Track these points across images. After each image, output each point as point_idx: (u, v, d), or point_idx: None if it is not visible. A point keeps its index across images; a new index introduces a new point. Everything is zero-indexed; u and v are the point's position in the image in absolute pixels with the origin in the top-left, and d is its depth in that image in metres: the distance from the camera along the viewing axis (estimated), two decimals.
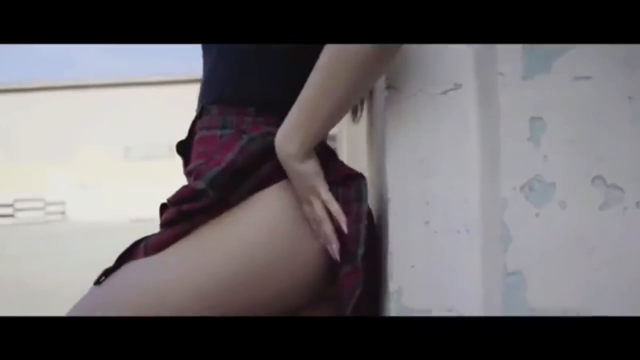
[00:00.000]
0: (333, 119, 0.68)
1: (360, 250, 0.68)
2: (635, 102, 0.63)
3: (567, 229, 0.62)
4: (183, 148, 0.88)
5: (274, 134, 0.71)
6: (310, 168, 0.69)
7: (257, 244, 0.71)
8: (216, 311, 0.71)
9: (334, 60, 0.63)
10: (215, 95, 0.80)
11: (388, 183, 0.69)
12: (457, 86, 0.68)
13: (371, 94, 1.00)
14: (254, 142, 0.72)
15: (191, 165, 0.79)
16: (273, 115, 0.74)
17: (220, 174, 0.70)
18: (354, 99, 0.68)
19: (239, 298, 0.72)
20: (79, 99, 19.62)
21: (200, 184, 0.70)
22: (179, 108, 19.20)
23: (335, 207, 0.69)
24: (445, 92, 0.68)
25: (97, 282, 0.74)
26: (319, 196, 0.70)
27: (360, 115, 1.01)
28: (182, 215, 0.73)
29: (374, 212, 0.80)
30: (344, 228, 0.68)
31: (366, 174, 0.90)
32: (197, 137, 0.81)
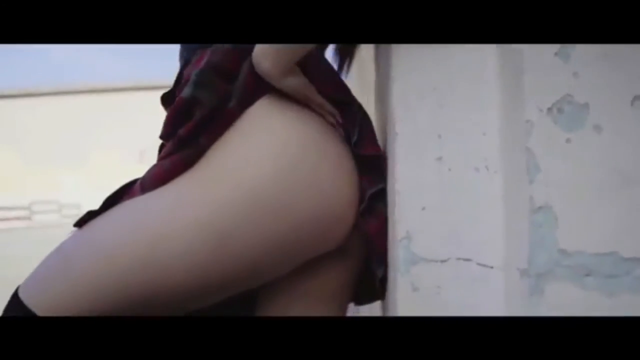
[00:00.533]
0: None
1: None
2: None
3: (604, 158, 0.53)
4: (170, 100, 0.80)
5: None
6: (294, 82, 0.63)
7: (264, 176, 0.62)
8: (223, 250, 0.62)
9: None
10: None
11: (395, 115, 0.60)
12: None
13: None
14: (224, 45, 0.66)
15: None
16: None
17: (200, 72, 0.63)
18: None
19: (245, 240, 0.62)
20: (93, 103, 19.80)
21: (186, 91, 0.63)
22: None
23: (330, 109, 0.66)
24: None
25: (78, 225, 0.66)
26: (311, 102, 0.64)
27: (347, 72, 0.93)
28: (182, 143, 0.64)
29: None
30: (339, 120, 0.67)
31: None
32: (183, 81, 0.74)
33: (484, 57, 0.57)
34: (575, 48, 0.54)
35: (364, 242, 0.69)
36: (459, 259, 0.59)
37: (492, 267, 0.59)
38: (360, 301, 0.82)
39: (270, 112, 0.64)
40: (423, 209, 0.59)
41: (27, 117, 19.89)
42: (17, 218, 16.92)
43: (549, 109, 0.54)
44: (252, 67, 0.64)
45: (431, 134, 0.59)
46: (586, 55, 0.54)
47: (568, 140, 0.54)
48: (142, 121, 19.50)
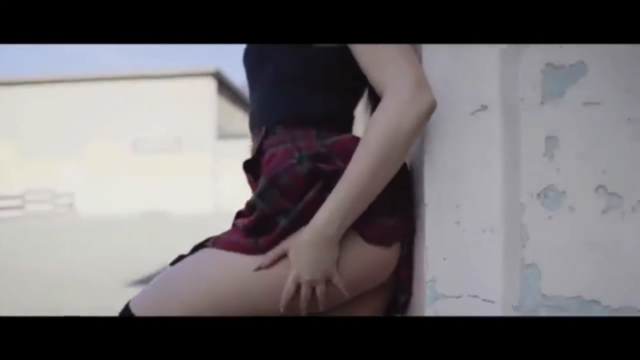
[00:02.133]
0: (373, 198, 0.78)
1: None
2: (634, 123, 0.75)
3: (575, 230, 0.75)
4: (250, 166, 0.94)
5: (325, 154, 0.83)
6: (335, 253, 0.79)
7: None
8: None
9: (385, 144, 0.74)
10: (279, 117, 0.89)
11: (425, 191, 0.82)
12: (484, 107, 0.81)
13: None
14: (302, 164, 0.81)
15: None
16: (331, 131, 0.87)
17: (267, 186, 0.81)
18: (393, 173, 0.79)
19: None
20: (88, 93, 19.73)
21: (252, 197, 0.83)
22: (187, 101, 19.28)
23: (345, 293, 0.82)
24: (473, 113, 0.81)
25: (172, 264, 0.87)
26: (323, 281, 0.81)
27: None
28: (247, 232, 0.83)
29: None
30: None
31: None
32: (266, 155, 0.89)
33: (492, 154, 0.79)
34: (558, 150, 0.75)
35: (392, 279, 0.91)
36: (469, 295, 0.81)
37: (493, 302, 0.81)
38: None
39: None
40: (444, 259, 0.81)
41: (22, 107, 19.82)
42: (10, 207, 16.95)
43: (538, 195, 0.76)
44: (312, 197, 0.80)
45: (451, 204, 0.81)
46: (566, 156, 0.75)
47: (550, 217, 0.75)
48: (136, 112, 19.48)
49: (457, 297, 0.81)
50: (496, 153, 0.79)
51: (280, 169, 0.82)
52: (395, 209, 0.85)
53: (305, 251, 0.78)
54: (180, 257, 0.90)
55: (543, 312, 0.76)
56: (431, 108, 0.75)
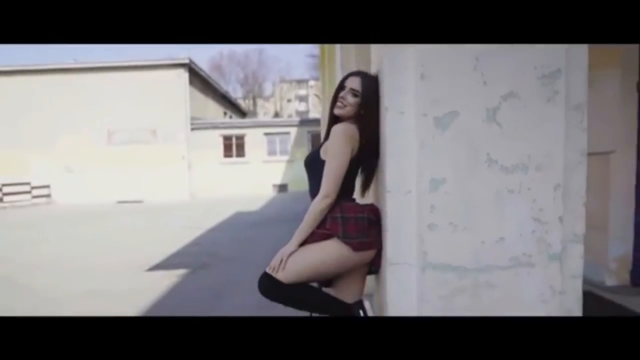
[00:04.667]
0: (311, 231, 1.99)
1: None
2: None
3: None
4: None
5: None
6: (293, 249, 2.01)
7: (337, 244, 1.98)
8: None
9: (311, 216, 1.97)
10: None
11: (387, 209, 1.92)
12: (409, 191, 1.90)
13: None
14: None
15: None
16: (350, 197, 2.05)
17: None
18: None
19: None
20: (61, 83, 19.75)
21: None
22: (160, 92, 19.68)
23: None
24: (406, 193, 1.91)
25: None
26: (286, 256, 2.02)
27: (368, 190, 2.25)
28: None
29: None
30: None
31: None
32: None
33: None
34: None
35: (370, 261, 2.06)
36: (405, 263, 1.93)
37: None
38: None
39: None
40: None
41: None
42: None
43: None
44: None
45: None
46: None
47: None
48: (110, 103, 19.60)
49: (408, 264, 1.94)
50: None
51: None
52: (370, 236, 1.99)
53: (287, 248, 2.03)
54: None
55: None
56: (328, 206, 1.96)
